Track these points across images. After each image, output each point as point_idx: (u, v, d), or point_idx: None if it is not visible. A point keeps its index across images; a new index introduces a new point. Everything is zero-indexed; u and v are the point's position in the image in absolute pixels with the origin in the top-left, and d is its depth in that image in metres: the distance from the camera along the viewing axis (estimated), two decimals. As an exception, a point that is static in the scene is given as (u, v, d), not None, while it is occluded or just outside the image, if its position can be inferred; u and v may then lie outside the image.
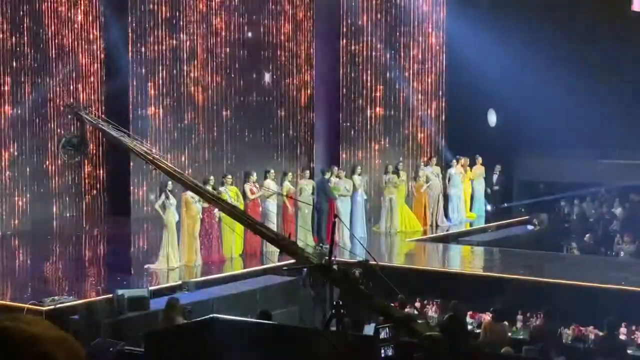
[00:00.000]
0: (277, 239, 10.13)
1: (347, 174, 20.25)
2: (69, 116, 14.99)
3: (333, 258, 8.72)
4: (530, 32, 24.32)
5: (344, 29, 25.00)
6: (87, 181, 23.28)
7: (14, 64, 20.45)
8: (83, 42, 22.68)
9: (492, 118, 26.43)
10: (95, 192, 23.41)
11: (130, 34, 22.19)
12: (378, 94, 25.05)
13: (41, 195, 21.80)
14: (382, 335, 7.83)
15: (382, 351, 7.67)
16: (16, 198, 20.52)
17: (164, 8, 22.65)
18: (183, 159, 23.04)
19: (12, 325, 1.73)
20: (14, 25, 20.36)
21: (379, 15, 24.87)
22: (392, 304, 9.56)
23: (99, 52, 22.97)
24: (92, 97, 23.01)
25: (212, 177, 17.79)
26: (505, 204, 24.08)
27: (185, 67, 23.12)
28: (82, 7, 22.64)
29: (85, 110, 13.31)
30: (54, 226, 21.82)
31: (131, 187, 22.23)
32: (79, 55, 22.61)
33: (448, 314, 12.09)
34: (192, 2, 23.10)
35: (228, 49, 23.93)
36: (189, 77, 23.22)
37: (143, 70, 22.48)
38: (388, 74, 24.95)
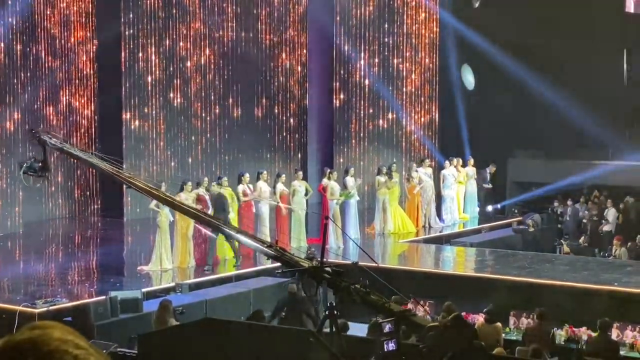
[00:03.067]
0: (264, 246, 9.95)
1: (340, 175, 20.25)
2: (33, 141, 14.85)
3: (324, 260, 8.72)
4: (525, 36, 24.34)
5: (337, 31, 25.03)
6: (79, 183, 23.22)
7: (10, 69, 20.53)
8: (75, 57, 22.70)
9: (469, 78, 25.73)
10: (88, 193, 23.35)
11: (122, 50, 22.19)
12: (372, 95, 25.05)
13: (34, 197, 21.73)
14: (386, 329, 7.80)
15: (385, 346, 7.64)
16: (9, 200, 20.46)
17: (159, 21, 22.64)
18: (176, 162, 23.03)
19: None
20: (7, 40, 20.38)
21: (371, 20, 24.89)
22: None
23: (92, 65, 23.02)
24: (86, 112, 23.03)
25: (206, 179, 17.76)
26: (499, 206, 24.04)
27: (178, 74, 23.12)
28: (75, 25, 22.67)
29: (48, 135, 13.14)
30: (46, 228, 21.75)
31: (124, 189, 22.15)
32: (71, 71, 22.66)
33: (453, 314, 12.05)
34: (185, 14, 23.08)
35: (222, 50, 23.90)
36: (183, 82, 23.20)
37: (137, 79, 22.47)
38: (382, 76, 24.96)
